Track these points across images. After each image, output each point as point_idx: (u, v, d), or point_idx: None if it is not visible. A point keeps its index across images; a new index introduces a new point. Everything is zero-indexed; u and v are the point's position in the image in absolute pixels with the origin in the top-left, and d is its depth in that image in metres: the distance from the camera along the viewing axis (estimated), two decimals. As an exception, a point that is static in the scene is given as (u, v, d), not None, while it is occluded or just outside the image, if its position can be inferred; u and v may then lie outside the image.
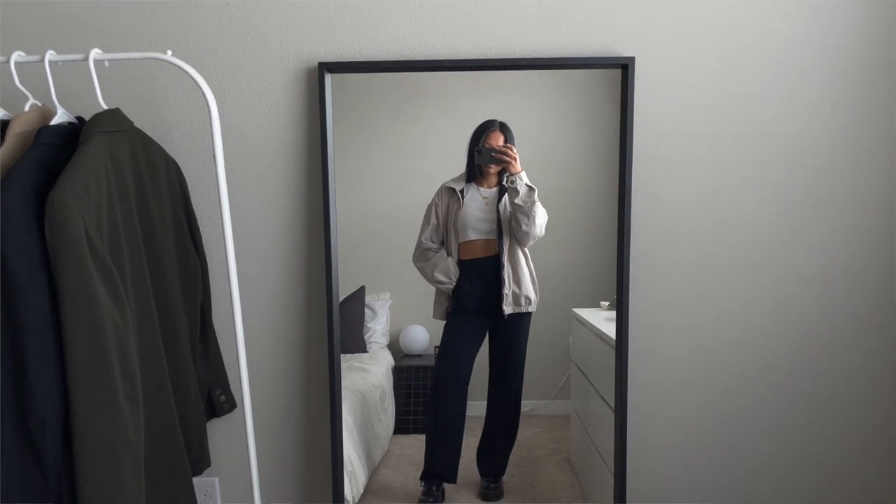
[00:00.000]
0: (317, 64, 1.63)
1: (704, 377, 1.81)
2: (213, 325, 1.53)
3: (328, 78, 1.62)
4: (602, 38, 1.64)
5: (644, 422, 1.82)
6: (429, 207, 1.82)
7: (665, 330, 1.78)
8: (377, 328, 1.97)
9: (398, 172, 1.84)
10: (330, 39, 1.63)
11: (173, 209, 1.37)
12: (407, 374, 1.97)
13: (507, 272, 1.79)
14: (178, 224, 1.38)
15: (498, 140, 1.75)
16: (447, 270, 1.80)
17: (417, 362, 1.95)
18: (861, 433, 1.82)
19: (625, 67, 1.63)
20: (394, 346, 1.96)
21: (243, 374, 1.41)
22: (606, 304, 1.92)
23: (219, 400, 1.50)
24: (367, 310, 1.95)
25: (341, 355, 1.99)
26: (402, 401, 1.98)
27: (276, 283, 1.75)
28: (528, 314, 1.84)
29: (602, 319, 1.88)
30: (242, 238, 1.70)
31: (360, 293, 1.95)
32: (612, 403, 1.79)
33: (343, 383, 1.89)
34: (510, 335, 1.86)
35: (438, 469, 1.85)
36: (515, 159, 1.72)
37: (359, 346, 2.00)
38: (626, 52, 1.66)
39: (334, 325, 1.66)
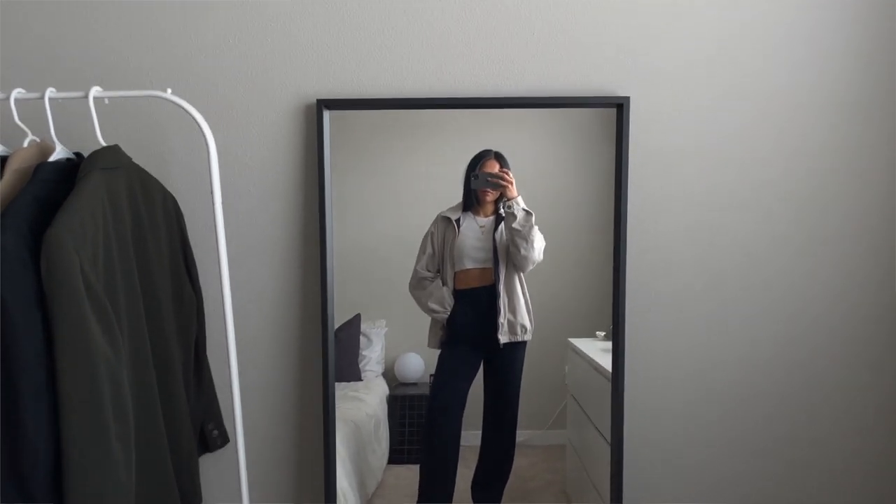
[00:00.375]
0: (315, 100, 1.63)
1: (701, 410, 1.80)
2: (207, 360, 1.51)
3: (326, 114, 1.63)
4: (598, 78, 1.65)
5: (640, 454, 1.80)
6: (425, 237, 1.81)
7: (661, 362, 1.78)
8: (372, 356, 1.95)
9: (394, 202, 1.83)
10: (328, 77, 1.63)
11: (169, 243, 1.36)
12: (402, 402, 1.94)
13: (502, 301, 1.79)
14: (174, 258, 1.37)
15: (494, 168, 1.76)
16: (441, 300, 1.79)
17: (412, 391, 1.93)
18: (859, 430, 1.83)
19: (620, 107, 1.65)
20: (389, 374, 1.94)
21: (237, 408, 1.39)
22: (602, 334, 1.90)
23: (211, 435, 1.48)
24: (362, 337, 1.92)
25: (336, 384, 1.97)
26: (397, 430, 1.95)
27: (271, 315, 1.74)
28: (524, 343, 1.83)
29: (598, 350, 1.86)
30: (238, 272, 1.69)
31: (355, 321, 1.92)
32: (608, 435, 1.77)
33: (337, 413, 1.86)
34: (505, 364, 1.84)
35: (433, 499, 1.82)
36: (511, 183, 1.73)
37: (353, 374, 1.96)
38: (621, 92, 1.67)
39: (329, 357, 1.65)
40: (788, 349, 1.78)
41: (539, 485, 1.96)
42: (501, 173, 1.73)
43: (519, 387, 1.85)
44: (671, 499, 1.83)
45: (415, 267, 1.81)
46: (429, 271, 1.83)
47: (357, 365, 1.93)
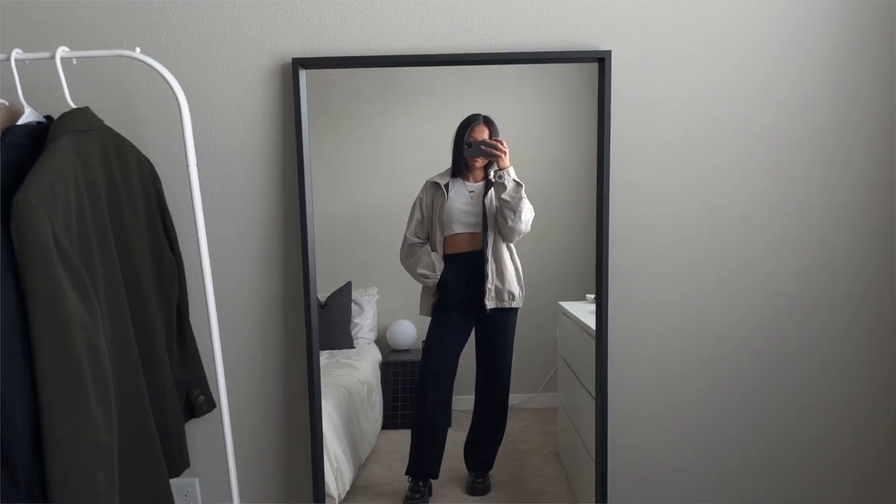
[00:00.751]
0: (290, 59, 1.58)
1: (686, 371, 1.78)
2: (190, 325, 1.48)
3: (303, 74, 1.57)
4: (579, 32, 1.60)
5: (625, 416, 1.79)
6: (414, 203, 1.78)
7: (645, 323, 1.75)
8: (364, 324, 1.93)
9: (380, 167, 1.80)
10: (304, 34, 1.58)
11: (147, 208, 1.32)
12: (394, 369, 1.93)
13: (490, 267, 1.76)
14: (152, 223, 1.34)
15: (483, 133, 1.72)
16: (430, 265, 1.76)
17: (405, 357, 1.91)
18: (849, 430, 1.80)
19: (601, 61, 1.60)
20: (381, 342, 1.92)
21: (219, 372, 1.36)
22: (591, 296, 1.88)
23: (197, 400, 1.46)
24: (353, 305, 1.90)
25: (328, 351, 1.95)
26: (390, 396, 1.94)
27: (253, 281, 1.70)
28: (514, 310, 1.81)
29: (587, 312, 1.84)
30: (218, 236, 1.65)
31: (346, 289, 1.91)
32: (588, 387, 1.76)
33: (329, 379, 1.85)
34: (495, 330, 1.82)
35: (422, 465, 1.81)
36: (505, 153, 1.69)
37: (346, 341, 1.95)
38: (603, 46, 1.62)
39: (312, 321, 1.62)
40: (777, 309, 1.76)
41: (531, 447, 1.96)
42: (495, 142, 1.69)
43: (510, 353, 1.83)
44: (659, 463, 1.81)
45: (404, 234, 1.78)
46: (418, 238, 1.80)
47: (349, 332, 1.91)
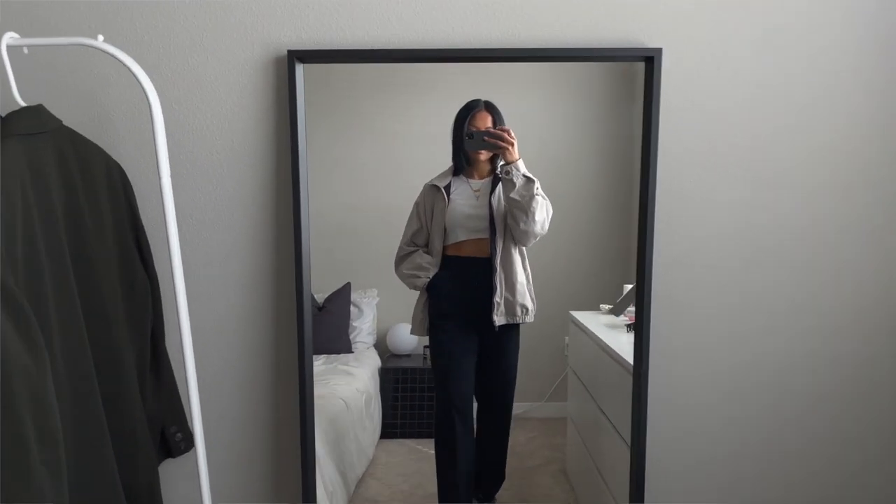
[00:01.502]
0: (286, 52, 1.35)
1: (736, 418, 1.57)
2: (166, 354, 1.28)
3: (299, 68, 1.35)
4: (624, 27, 1.37)
5: (661, 466, 1.58)
6: (412, 211, 1.59)
7: (685, 349, 1.53)
8: (363, 327, 1.81)
9: (384, 165, 1.66)
10: (301, 23, 1.35)
11: (116, 222, 1.13)
12: (394, 375, 1.81)
13: (499, 277, 1.54)
14: (123, 239, 1.14)
15: (486, 121, 1.49)
16: (418, 265, 1.56)
17: (405, 363, 1.79)
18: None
19: (650, 60, 1.37)
20: (381, 346, 1.80)
21: (193, 401, 1.17)
22: (606, 307, 1.71)
23: (174, 438, 1.27)
24: (352, 308, 1.78)
25: (325, 356, 1.80)
26: (389, 404, 1.82)
27: (239, 295, 1.49)
28: (518, 326, 1.59)
29: (602, 326, 1.68)
30: (197, 250, 1.44)
31: (345, 290, 1.77)
32: (611, 416, 1.59)
33: (325, 390, 1.72)
34: (500, 350, 1.61)
35: (454, 498, 1.63)
36: (513, 144, 1.45)
37: (344, 346, 1.82)
38: (651, 42, 1.39)
39: (306, 348, 1.42)
40: (826, 337, 1.55)
41: (538, 463, 1.81)
42: (500, 132, 1.45)
43: (515, 371, 1.64)
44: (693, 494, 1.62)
45: (399, 245, 1.58)
46: (416, 246, 1.59)
47: (347, 336, 1.79)
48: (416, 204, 1.58)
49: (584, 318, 1.73)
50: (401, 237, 1.59)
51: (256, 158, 1.41)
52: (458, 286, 1.56)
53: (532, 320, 1.59)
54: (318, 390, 1.72)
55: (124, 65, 1.02)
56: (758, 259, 1.49)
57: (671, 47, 1.39)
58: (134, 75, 1.04)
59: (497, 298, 1.54)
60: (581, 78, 1.55)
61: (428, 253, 1.58)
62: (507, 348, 1.61)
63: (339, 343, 1.81)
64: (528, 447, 1.79)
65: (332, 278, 1.72)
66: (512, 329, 1.59)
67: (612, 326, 1.68)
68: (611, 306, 1.72)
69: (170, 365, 1.27)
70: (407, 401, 1.81)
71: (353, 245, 1.66)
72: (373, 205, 1.64)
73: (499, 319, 1.55)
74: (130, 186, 1.21)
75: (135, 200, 1.21)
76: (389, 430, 1.80)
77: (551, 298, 1.62)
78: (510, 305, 1.56)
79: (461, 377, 1.63)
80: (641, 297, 1.43)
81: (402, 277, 1.60)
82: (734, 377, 1.54)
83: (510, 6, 1.37)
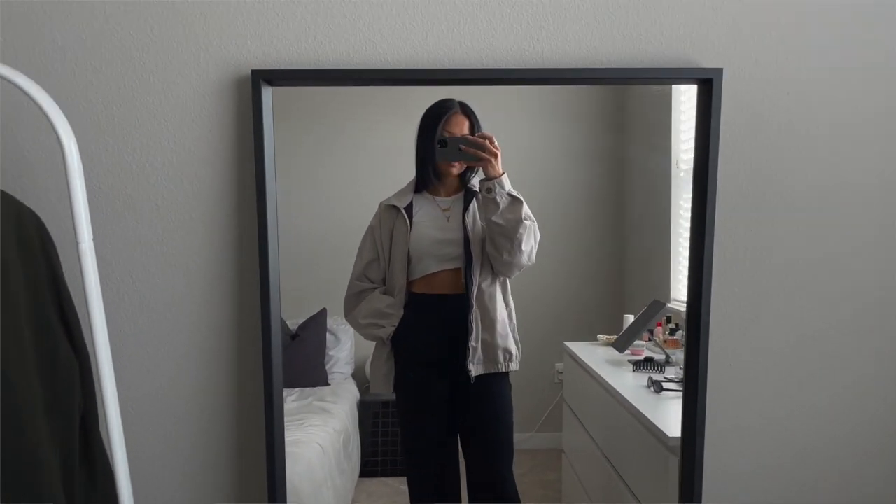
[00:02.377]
0: (249, 72, 1.09)
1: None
2: (101, 441, 1.02)
3: (266, 91, 1.10)
4: (671, 43, 1.14)
5: None
6: (363, 238, 1.33)
7: (741, 430, 1.28)
8: (340, 356, 1.64)
9: (359, 184, 1.50)
10: (268, 38, 1.10)
11: (29, 286, 0.88)
12: (374, 409, 1.64)
13: (474, 316, 1.28)
14: (39, 308, 0.89)
15: (462, 126, 1.24)
16: (377, 311, 1.31)
17: (385, 396, 1.57)
18: None
19: (707, 83, 1.14)
20: (359, 375, 1.64)
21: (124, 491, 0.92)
22: (605, 338, 1.54)
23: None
24: (328, 335, 1.61)
25: (299, 390, 1.62)
26: (369, 440, 1.65)
27: (198, 356, 1.23)
28: (506, 375, 1.36)
29: (602, 361, 1.51)
30: (142, 310, 1.19)
31: (320, 317, 1.60)
32: (614, 461, 1.43)
33: (299, 434, 1.51)
34: (483, 406, 1.35)
35: None
36: (496, 155, 1.19)
37: (319, 377, 1.65)
38: (706, 62, 1.16)
39: (275, 414, 1.16)
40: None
41: (531, 500, 1.62)
42: (480, 139, 1.19)
43: (510, 436, 1.39)
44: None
45: (350, 280, 1.34)
46: (371, 282, 1.33)
47: (323, 367, 1.63)
48: (371, 228, 1.32)
49: (581, 350, 1.57)
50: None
51: (215, 201, 1.15)
52: (430, 332, 1.32)
53: (517, 368, 1.37)
54: (292, 434, 1.55)
55: (27, 94, 0.77)
56: (832, 314, 1.26)
57: (733, 68, 1.16)
58: (37, 105, 0.78)
59: (472, 342, 1.28)
60: (570, 98, 1.41)
61: (386, 293, 1.32)
62: (492, 404, 1.35)
63: (314, 375, 1.63)
64: (520, 485, 1.62)
65: (307, 304, 1.57)
66: (497, 380, 1.34)
67: (615, 364, 1.51)
68: (609, 337, 1.55)
69: (105, 457, 1.01)
70: (388, 436, 1.64)
71: (329, 268, 1.49)
72: (346, 226, 1.45)
73: (475, 368, 1.30)
74: (52, 242, 0.95)
75: (57, 259, 0.95)
76: (370, 468, 1.64)
77: (541, 322, 1.47)
78: (489, 350, 1.30)
79: (428, 449, 1.38)
80: (695, 364, 1.17)
81: (357, 327, 1.38)
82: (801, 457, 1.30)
83: (529, 15, 1.12)
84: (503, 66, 1.10)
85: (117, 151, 1.10)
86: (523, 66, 1.11)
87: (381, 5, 1.12)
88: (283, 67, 1.09)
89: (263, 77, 1.06)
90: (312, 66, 1.09)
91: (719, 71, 1.11)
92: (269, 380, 1.09)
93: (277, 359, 1.11)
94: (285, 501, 1.21)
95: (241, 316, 1.17)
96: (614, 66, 1.12)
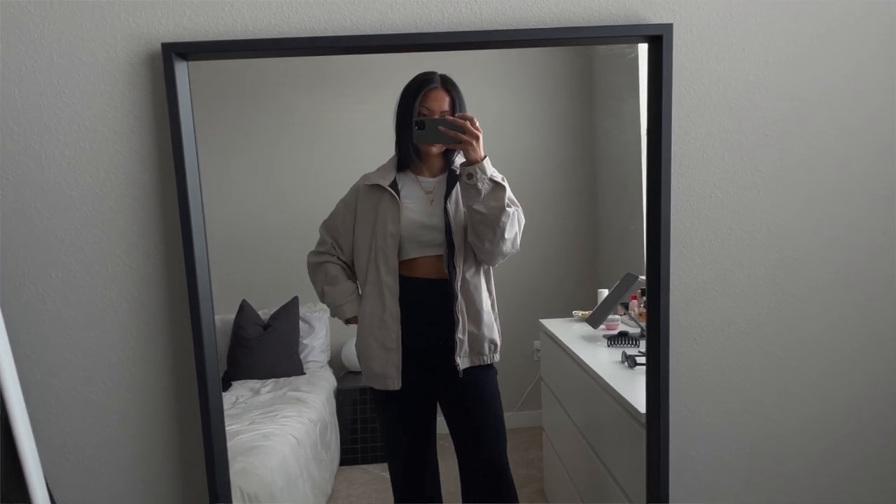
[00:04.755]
0: (160, 46, 0.96)
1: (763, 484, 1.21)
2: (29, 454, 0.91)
3: (181, 67, 0.97)
4: (622, 0, 1.02)
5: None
6: (336, 209, 1.24)
7: (703, 393, 1.17)
8: (315, 344, 1.56)
9: (323, 166, 1.40)
10: (180, 8, 0.97)
11: None
12: (352, 396, 1.56)
13: (459, 306, 1.18)
14: None
15: (442, 103, 1.13)
16: (345, 291, 1.23)
17: (363, 382, 1.47)
18: None
19: (657, 40, 1.02)
20: (336, 363, 1.57)
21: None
22: (580, 314, 1.45)
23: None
24: (301, 324, 1.54)
25: (273, 380, 1.55)
26: (348, 427, 1.58)
27: (114, 347, 1.08)
28: (491, 367, 1.26)
29: (578, 338, 1.45)
30: (64, 307, 1.06)
31: (292, 305, 1.52)
32: (590, 439, 1.35)
33: (273, 426, 1.43)
34: (474, 400, 1.26)
35: None
36: (478, 138, 1.08)
37: (294, 367, 1.57)
38: (655, 18, 1.04)
39: (211, 409, 1.03)
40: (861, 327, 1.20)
41: (515, 478, 1.53)
42: (460, 120, 1.07)
43: (502, 427, 1.28)
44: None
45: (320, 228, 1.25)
46: (335, 254, 1.23)
47: (298, 356, 1.55)
48: (345, 204, 1.22)
49: (557, 327, 1.49)
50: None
51: (134, 189, 1.02)
52: (411, 318, 1.20)
53: (498, 360, 1.27)
54: (265, 427, 1.49)
55: None
56: (788, 274, 1.15)
57: (682, 24, 1.04)
58: None
59: (459, 335, 1.18)
60: (535, 65, 1.32)
61: (348, 273, 1.22)
62: (482, 397, 1.25)
63: (288, 365, 1.56)
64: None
65: (278, 293, 1.50)
66: (482, 372, 1.24)
67: (590, 339, 1.42)
68: (584, 313, 1.46)
69: (39, 472, 0.90)
70: (367, 423, 1.56)
71: (298, 256, 1.36)
72: (311, 210, 1.34)
73: (462, 361, 1.20)
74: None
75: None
76: (349, 455, 1.57)
77: (516, 300, 1.37)
78: (476, 342, 1.21)
79: (411, 450, 1.28)
80: (657, 332, 1.06)
81: (323, 298, 1.27)
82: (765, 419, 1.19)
83: None
84: (435, 31, 0.98)
85: (21, 138, 0.99)
86: (458, 30, 0.99)
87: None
88: (197, 39, 0.96)
89: (176, 51, 0.93)
90: (228, 37, 0.97)
91: (669, 27, 1.00)
92: (203, 378, 0.98)
93: (211, 352, 1.00)
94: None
95: (173, 310, 1.05)
96: (559, 25, 1.01)
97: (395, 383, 1.20)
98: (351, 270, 1.25)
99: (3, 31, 0.95)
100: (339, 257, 1.24)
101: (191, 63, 0.95)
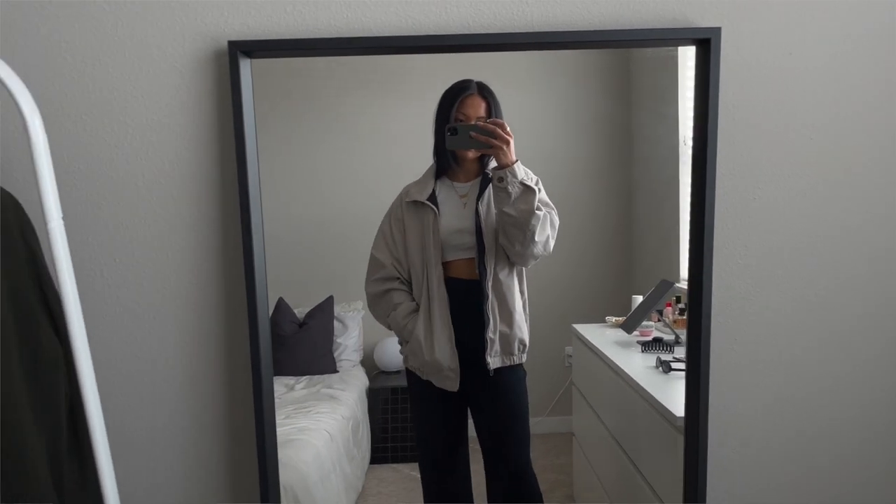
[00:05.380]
0: (226, 44, 1.01)
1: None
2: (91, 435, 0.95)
3: (245, 64, 1.01)
4: (671, 4, 1.03)
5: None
6: (381, 233, 1.26)
7: (742, 394, 1.17)
8: (348, 343, 1.57)
9: (364, 167, 1.42)
10: (245, 8, 1.01)
11: (8, 274, 0.82)
12: (383, 395, 1.58)
13: (491, 306, 1.20)
14: (20, 297, 0.83)
15: (478, 110, 1.15)
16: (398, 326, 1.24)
17: (394, 382, 1.54)
18: None
19: (705, 43, 1.03)
20: (368, 362, 1.58)
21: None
22: (613, 319, 1.44)
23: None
24: (336, 323, 1.55)
25: (307, 377, 1.57)
26: (379, 426, 1.59)
27: (186, 346, 1.14)
28: (520, 367, 1.28)
29: (611, 343, 1.43)
30: (128, 291, 1.11)
31: (327, 305, 1.54)
32: (624, 444, 1.34)
33: (307, 421, 1.45)
34: (501, 399, 1.28)
35: None
36: (508, 143, 1.10)
37: (328, 365, 1.59)
38: (705, 22, 1.06)
39: (265, 414, 1.07)
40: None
41: (543, 487, 1.53)
42: (491, 126, 1.09)
43: (527, 428, 1.30)
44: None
45: (373, 257, 1.26)
46: (397, 275, 1.24)
47: (331, 355, 1.57)
48: (388, 220, 1.24)
49: (590, 332, 1.48)
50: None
51: (197, 181, 1.07)
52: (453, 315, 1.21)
53: (525, 360, 1.28)
54: (300, 422, 1.48)
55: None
56: (836, 284, 1.15)
57: (730, 27, 1.05)
58: (6, 87, 0.71)
59: (490, 334, 1.20)
60: (573, 67, 1.32)
61: (404, 286, 1.24)
62: (510, 397, 1.27)
63: (322, 363, 1.58)
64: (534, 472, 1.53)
65: (314, 291, 1.51)
66: (511, 372, 1.26)
67: (624, 345, 1.41)
68: (618, 319, 1.45)
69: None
70: (398, 422, 1.58)
71: (335, 255, 1.44)
72: (351, 211, 1.41)
73: (493, 360, 1.22)
74: (30, 225, 0.88)
75: (37, 244, 0.88)
76: (380, 454, 1.56)
77: (549, 305, 1.37)
78: (506, 342, 1.23)
79: (440, 442, 1.30)
80: (698, 334, 1.07)
81: (384, 322, 1.30)
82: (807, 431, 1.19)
83: None
84: (490, 31, 1.01)
85: (93, 129, 1.04)
86: (511, 31, 1.02)
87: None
88: (261, 38, 1.01)
89: (241, 48, 0.98)
90: (290, 36, 1.01)
91: (717, 30, 1.01)
92: (258, 365, 1.01)
93: (266, 341, 1.04)
94: (278, 500, 1.12)
95: (229, 300, 1.10)
96: (606, 28, 1.03)
97: (453, 384, 1.22)
98: (409, 286, 1.27)
99: (80, 29, 1.00)
100: (400, 278, 1.26)
101: (253, 61, 0.99)
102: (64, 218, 0.77)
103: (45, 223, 0.74)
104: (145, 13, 1.02)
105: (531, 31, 1.02)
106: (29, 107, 0.72)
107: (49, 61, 1.03)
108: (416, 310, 1.23)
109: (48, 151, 0.75)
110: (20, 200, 0.88)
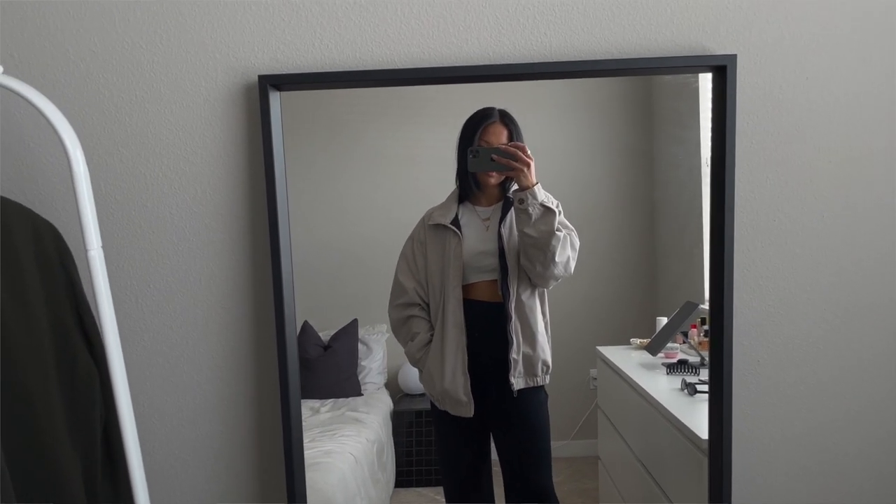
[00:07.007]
0: (256, 78, 1.06)
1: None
2: (125, 456, 0.97)
3: (275, 97, 1.06)
4: (682, 30, 1.05)
5: None
6: (403, 254, 1.28)
7: (766, 417, 1.17)
8: (372, 366, 1.58)
9: (387, 193, 1.44)
10: (274, 43, 1.06)
11: (49, 298, 0.85)
12: (407, 418, 1.58)
13: (514, 327, 1.21)
14: (59, 319, 0.86)
15: (500, 136, 1.17)
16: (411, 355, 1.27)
17: (419, 405, 1.54)
18: None
19: (721, 70, 1.05)
20: (392, 385, 1.59)
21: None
22: (638, 341, 1.42)
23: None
24: (360, 345, 1.56)
25: (332, 401, 1.58)
26: (403, 449, 1.59)
27: (217, 369, 1.18)
28: (542, 389, 1.28)
29: (636, 366, 1.41)
30: (165, 318, 1.15)
31: (352, 327, 1.55)
32: (651, 469, 1.32)
33: (332, 444, 1.46)
34: (523, 421, 1.28)
35: None
36: (529, 165, 1.13)
37: (353, 388, 1.59)
38: (722, 49, 1.08)
39: (293, 429, 1.10)
40: None
41: (567, 513, 1.51)
42: (512, 149, 1.12)
43: (544, 454, 1.30)
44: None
45: (398, 281, 1.28)
46: (418, 301, 1.25)
47: (356, 377, 1.57)
48: (412, 241, 1.26)
49: (614, 354, 1.46)
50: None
51: (228, 209, 1.11)
52: (468, 341, 1.23)
53: (548, 381, 1.28)
54: (325, 445, 1.48)
55: (30, 102, 0.74)
56: (858, 306, 1.14)
57: (745, 54, 1.07)
58: (43, 115, 0.76)
59: (514, 355, 1.21)
60: (594, 94, 1.34)
61: (424, 313, 1.26)
62: (531, 419, 1.28)
63: (347, 386, 1.58)
64: (556, 492, 1.51)
65: (338, 315, 1.52)
66: (534, 393, 1.26)
67: (649, 367, 1.40)
68: (642, 341, 1.44)
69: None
70: (422, 445, 1.57)
71: (360, 278, 1.46)
72: (374, 234, 1.43)
73: (517, 381, 1.23)
74: (69, 253, 0.93)
75: (75, 270, 0.92)
76: (404, 478, 1.57)
77: (574, 328, 1.38)
78: (530, 363, 1.23)
79: (464, 468, 1.31)
80: (720, 356, 1.07)
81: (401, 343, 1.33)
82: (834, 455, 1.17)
83: (535, 8, 1.05)
84: (511, 62, 1.04)
85: (130, 161, 1.09)
86: (531, 61, 1.05)
87: (386, 7, 1.08)
88: (290, 72, 1.05)
89: (270, 82, 1.02)
90: (318, 70, 1.06)
91: (733, 57, 1.03)
92: (286, 387, 1.03)
93: (294, 365, 1.06)
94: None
95: (258, 325, 1.13)
96: (625, 56, 1.05)
97: (467, 411, 1.22)
98: (428, 313, 1.29)
99: (118, 66, 1.06)
100: (420, 304, 1.28)
101: (282, 94, 1.03)
102: (102, 246, 0.81)
103: (85, 251, 0.77)
104: (180, 50, 1.07)
105: (551, 60, 1.05)
106: (71, 141, 0.76)
107: (89, 98, 1.08)
108: (431, 341, 1.25)
109: (89, 183, 0.78)
110: (59, 229, 0.93)
